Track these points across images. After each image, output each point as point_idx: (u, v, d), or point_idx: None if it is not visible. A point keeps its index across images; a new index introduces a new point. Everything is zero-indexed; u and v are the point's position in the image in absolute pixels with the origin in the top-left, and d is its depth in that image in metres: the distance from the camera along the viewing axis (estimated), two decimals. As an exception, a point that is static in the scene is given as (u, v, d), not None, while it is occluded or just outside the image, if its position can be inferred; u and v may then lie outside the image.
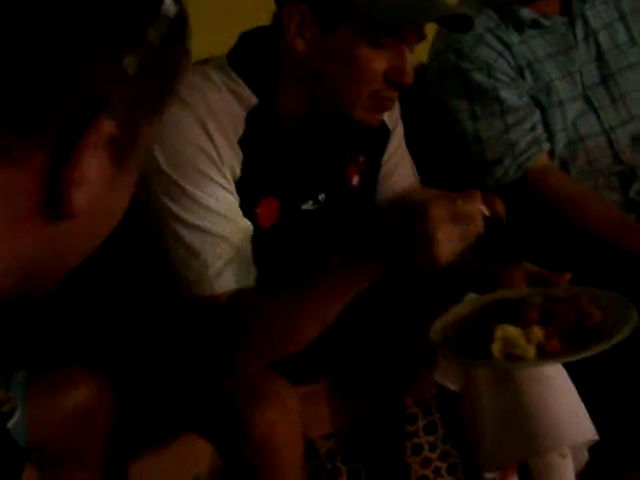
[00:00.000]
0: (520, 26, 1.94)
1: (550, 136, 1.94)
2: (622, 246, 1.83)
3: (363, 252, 1.27)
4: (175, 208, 1.38)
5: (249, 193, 1.44)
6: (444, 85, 1.95)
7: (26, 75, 0.51)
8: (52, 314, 1.76)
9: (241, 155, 1.41)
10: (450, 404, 1.76)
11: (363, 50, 1.36)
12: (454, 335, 1.31)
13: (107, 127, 0.55)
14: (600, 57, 2.01)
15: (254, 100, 1.42)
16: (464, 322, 1.33)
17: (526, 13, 1.95)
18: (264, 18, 1.45)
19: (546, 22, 1.96)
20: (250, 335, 1.38)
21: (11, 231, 0.55)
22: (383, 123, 1.59)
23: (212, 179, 1.38)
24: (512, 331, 1.25)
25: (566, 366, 1.49)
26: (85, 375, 1.47)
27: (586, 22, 2.00)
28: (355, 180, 1.60)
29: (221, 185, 1.40)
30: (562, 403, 1.42)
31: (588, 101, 1.99)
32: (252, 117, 1.42)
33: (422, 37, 1.40)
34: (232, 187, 1.42)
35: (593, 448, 1.47)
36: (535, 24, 1.96)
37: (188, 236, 1.38)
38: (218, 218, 1.39)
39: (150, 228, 1.44)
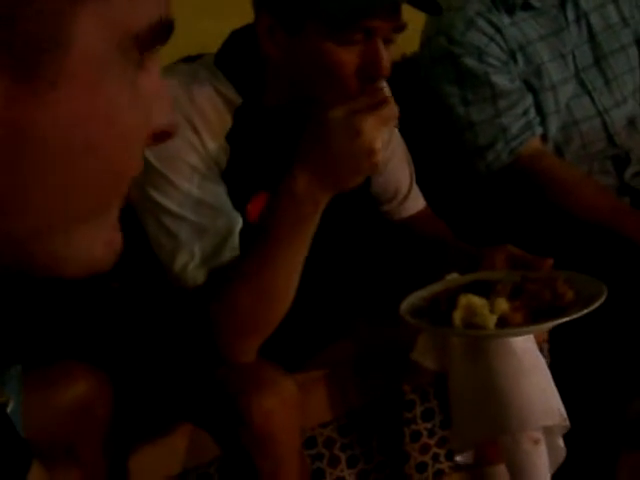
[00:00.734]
0: (511, 9, 1.94)
1: (543, 119, 1.94)
2: (616, 230, 1.83)
3: (299, 185, 1.30)
4: (162, 200, 1.39)
5: (239, 189, 1.45)
6: (435, 70, 1.94)
7: None
8: (47, 308, 1.77)
9: (228, 149, 1.42)
10: (447, 390, 1.76)
11: (330, 49, 1.35)
12: (426, 308, 1.31)
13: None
14: (592, 39, 2.00)
15: (239, 100, 1.44)
16: (437, 295, 1.33)
17: None
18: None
19: (537, 4, 1.96)
20: (232, 310, 1.37)
21: None
22: None
23: (199, 171, 1.39)
24: (476, 300, 1.26)
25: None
26: (82, 369, 1.47)
27: (577, 4, 1.99)
28: None
29: (208, 177, 1.40)
30: (532, 382, 1.42)
31: (581, 83, 1.99)
32: (238, 115, 1.44)
33: (398, 27, 1.38)
34: (219, 179, 1.43)
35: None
36: (526, 6, 1.95)
37: (175, 228, 1.39)
38: (206, 210, 1.40)
39: (138, 220, 1.44)
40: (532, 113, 1.92)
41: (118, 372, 1.53)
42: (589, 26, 2.00)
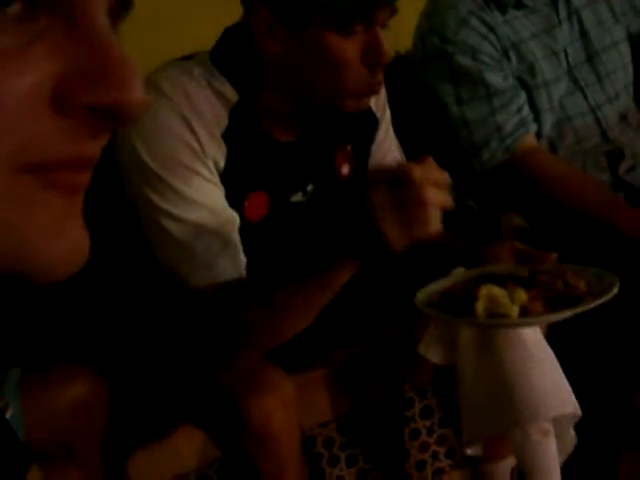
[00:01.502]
0: (503, 7, 1.94)
1: (536, 116, 1.95)
2: (611, 225, 1.83)
3: (333, 251, 1.25)
4: (160, 202, 1.38)
5: (236, 187, 1.44)
6: (429, 69, 1.95)
7: None
8: (44, 310, 1.76)
9: (225, 148, 1.41)
10: (446, 387, 1.76)
11: (334, 41, 1.34)
12: (439, 300, 1.31)
13: None
14: (584, 35, 2.01)
15: (235, 97, 1.42)
16: (450, 289, 1.33)
17: None
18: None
19: (529, 2, 1.96)
20: (238, 327, 1.37)
21: None
22: (370, 111, 1.59)
23: (196, 172, 1.38)
24: (496, 291, 1.25)
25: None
26: (80, 371, 1.46)
27: (568, 1, 2.00)
28: (345, 169, 1.59)
29: (205, 177, 1.39)
30: (542, 373, 1.43)
31: (574, 80, 2.00)
32: (234, 113, 1.42)
33: (394, 12, 1.38)
34: (216, 179, 1.41)
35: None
36: (518, 4, 1.96)
37: (175, 230, 1.38)
38: (203, 211, 1.39)
39: (138, 223, 1.43)
40: (526, 110, 1.93)
41: (117, 374, 1.53)
42: (581, 23, 2.01)
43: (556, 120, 1.97)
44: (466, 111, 1.92)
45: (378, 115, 1.63)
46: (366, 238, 1.17)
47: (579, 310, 1.23)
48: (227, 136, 1.41)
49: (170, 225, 1.38)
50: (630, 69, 2.08)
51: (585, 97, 2.00)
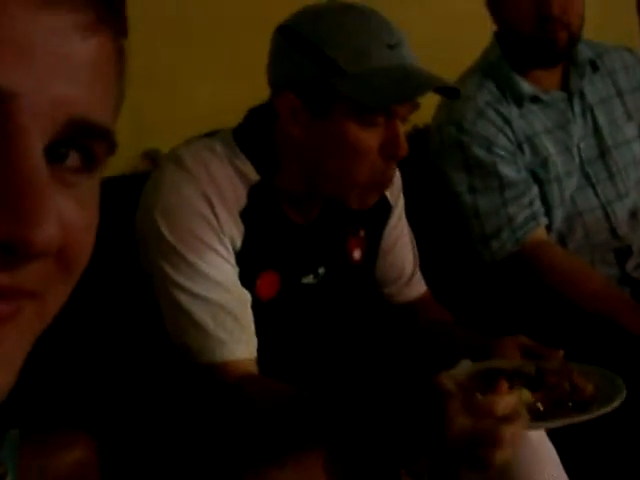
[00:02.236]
0: (520, 100, 1.98)
1: (548, 210, 1.97)
2: (617, 322, 1.84)
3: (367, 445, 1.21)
4: (175, 276, 1.39)
5: (249, 265, 1.45)
6: (445, 157, 1.98)
7: None
8: (45, 372, 1.77)
9: (242, 228, 1.43)
10: (443, 474, 1.75)
11: (355, 131, 1.36)
12: None
13: None
14: (597, 132, 2.04)
15: (256, 177, 1.44)
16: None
17: (527, 88, 1.98)
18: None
19: (545, 97, 2.00)
20: (247, 420, 1.37)
21: None
22: (385, 198, 1.61)
23: (212, 248, 1.39)
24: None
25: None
26: (78, 437, 1.44)
27: (583, 97, 2.04)
28: (357, 254, 1.61)
29: (221, 255, 1.40)
30: (547, 474, 1.42)
31: (586, 176, 2.02)
32: (254, 192, 1.44)
33: (415, 107, 1.40)
34: (232, 257, 1.42)
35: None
36: (535, 99, 1.99)
37: (189, 304, 1.39)
38: (218, 287, 1.39)
39: (151, 294, 1.45)
40: (537, 204, 1.95)
41: (114, 442, 1.51)
42: (594, 119, 2.05)
43: (566, 214, 2.00)
44: (478, 201, 1.94)
45: (392, 203, 1.65)
46: (427, 442, 1.11)
47: (584, 419, 1.23)
48: (245, 215, 1.43)
49: (183, 299, 1.39)
50: (641, 166, 2.11)
51: (596, 193, 2.02)
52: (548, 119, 2.01)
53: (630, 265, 2.04)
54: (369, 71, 1.33)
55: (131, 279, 1.51)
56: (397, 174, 1.62)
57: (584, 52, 2.04)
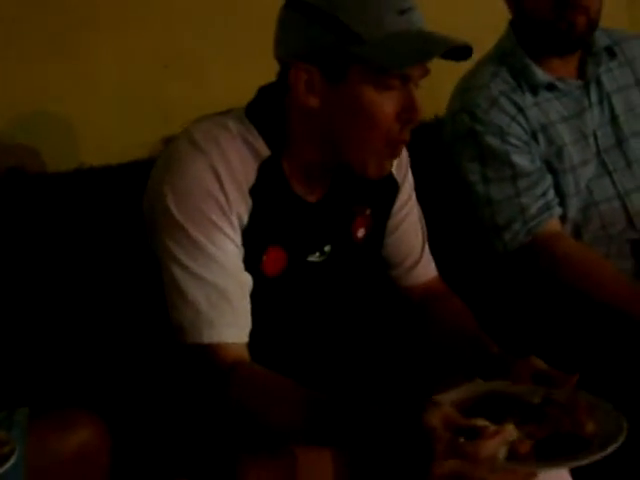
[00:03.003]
0: (535, 89, 1.97)
1: (562, 200, 1.96)
2: (631, 315, 1.82)
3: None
4: (176, 251, 1.40)
5: (256, 241, 1.46)
6: (458, 146, 1.97)
7: None
8: (55, 354, 1.78)
9: (250, 203, 1.43)
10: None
11: (372, 95, 1.38)
12: None
13: None
14: (614, 120, 2.02)
15: (267, 152, 1.45)
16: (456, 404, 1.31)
17: (542, 76, 1.97)
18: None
19: (561, 85, 1.98)
20: (238, 406, 1.38)
21: None
22: (392, 177, 1.61)
23: (219, 227, 1.40)
24: (483, 425, 1.22)
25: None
26: (84, 418, 1.46)
27: (600, 85, 2.02)
28: (361, 233, 1.60)
29: (227, 234, 1.41)
30: None
31: (603, 164, 2.00)
32: (264, 168, 1.45)
33: (426, 73, 1.42)
34: (238, 237, 1.43)
35: None
36: (550, 87, 1.98)
37: (184, 281, 1.40)
38: (218, 269, 1.40)
39: (158, 274, 1.45)
40: (551, 194, 1.94)
41: (121, 421, 1.53)
42: (611, 107, 2.02)
43: (582, 204, 1.98)
44: (491, 191, 1.93)
45: (399, 181, 1.64)
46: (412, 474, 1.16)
47: (570, 465, 1.23)
48: (254, 192, 1.43)
49: (179, 275, 1.40)
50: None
51: (613, 182, 2.00)
52: (564, 107, 1.99)
53: (647, 257, 2.02)
54: (384, 35, 1.35)
55: (149, 265, 1.51)
56: (405, 152, 1.63)
57: (601, 39, 2.01)
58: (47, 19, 2.10)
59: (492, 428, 1.14)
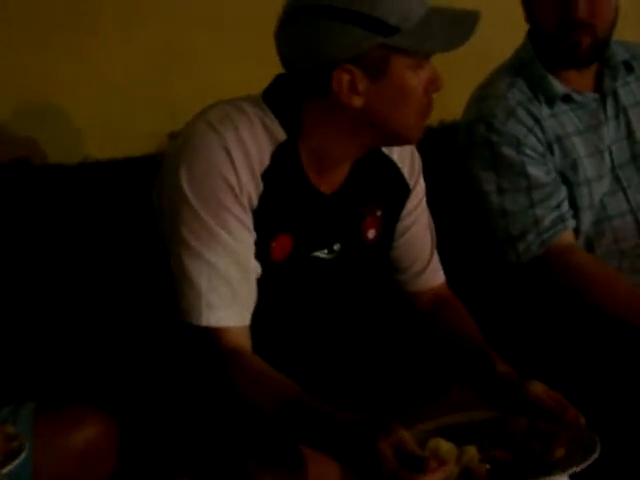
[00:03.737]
0: (552, 100, 1.96)
1: (576, 213, 1.95)
2: None
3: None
4: (184, 232, 1.41)
5: (266, 226, 1.46)
6: (473, 155, 1.96)
7: None
8: (62, 349, 1.77)
9: (262, 187, 1.44)
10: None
11: (411, 79, 1.42)
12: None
13: None
14: (630, 135, 2.02)
15: (283, 135, 1.45)
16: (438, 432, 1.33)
17: (559, 88, 1.96)
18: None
19: (578, 97, 1.98)
20: (233, 392, 1.40)
21: None
22: (403, 180, 1.61)
23: (228, 209, 1.41)
24: (444, 446, 1.26)
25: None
26: (91, 414, 1.47)
27: (617, 99, 2.01)
28: (371, 234, 1.60)
29: (237, 217, 1.42)
30: None
31: (617, 179, 2.00)
32: (279, 152, 1.45)
33: None
34: (250, 220, 1.44)
35: None
36: (567, 99, 1.97)
37: (188, 262, 1.41)
38: (222, 251, 1.41)
39: (166, 262, 1.46)
40: (565, 206, 1.93)
41: (129, 417, 1.53)
42: (628, 122, 2.02)
43: (595, 218, 1.98)
44: (506, 201, 1.92)
45: (411, 184, 1.64)
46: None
47: None
48: (267, 175, 1.44)
49: (185, 256, 1.41)
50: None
51: (627, 198, 2.00)
52: (579, 120, 1.98)
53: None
54: (416, 21, 1.39)
55: (154, 258, 1.52)
56: (417, 156, 1.64)
57: (619, 53, 2.01)
58: (54, 12, 2.10)
59: (434, 464, 1.18)
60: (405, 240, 1.67)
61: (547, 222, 1.91)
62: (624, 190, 2.00)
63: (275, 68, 1.48)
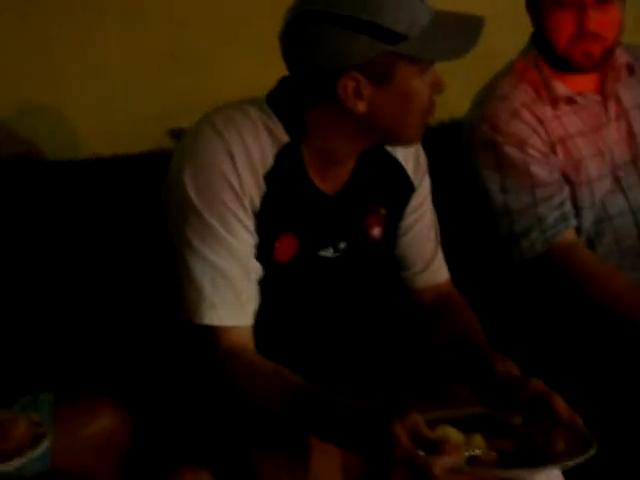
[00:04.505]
0: (555, 101, 1.98)
1: (577, 212, 1.97)
2: None
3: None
4: (189, 232, 1.43)
5: (269, 227, 1.48)
6: (477, 156, 1.98)
7: None
8: (80, 340, 1.77)
9: (264, 189, 1.45)
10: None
11: (416, 84, 1.43)
12: None
13: None
14: (631, 137, 2.04)
15: (286, 138, 1.47)
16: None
17: (562, 90, 1.99)
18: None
19: (580, 99, 2.00)
20: (236, 390, 1.43)
21: None
22: (407, 178, 1.63)
23: (231, 211, 1.43)
24: (452, 433, 1.27)
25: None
26: (108, 404, 1.50)
27: (618, 101, 2.03)
28: (376, 232, 1.61)
29: (239, 219, 1.43)
30: None
31: (617, 180, 2.02)
32: (282, 154, 1.47)
33: None
34: (251, 222, 1.45)
35: None
36: (569, 100, 2.00)
37: (192, 262, 1.43)
38: (225, 252, 1.43)
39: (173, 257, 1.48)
40: (568, 205, 1.96)
41: (142, 406, 1.55)
42: (629, 124, 2.04)
43: (596, 218, 2.00)
44: (509, 200, 1.94)
45: (415, 182, 1.65)
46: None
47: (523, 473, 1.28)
48: (270, 177, 1.46)
49: (188, 256, 1.44)
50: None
51: (627, 198, 2.02)
52: (582, 122, 2.00)
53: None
54: (421, 27, 1.39)
55: (159, 254, 1.54)
56: (423, 155, 1.66)
57: (622, 56, 2.03)
58: (55, 10, 2.10)
59: (450, 444, 1.21)
60: (409, 238, 1.67)
61: (550, 220, 1.93)
62: (624, 191, 2.02)
63: (275, 69, 1.49)
